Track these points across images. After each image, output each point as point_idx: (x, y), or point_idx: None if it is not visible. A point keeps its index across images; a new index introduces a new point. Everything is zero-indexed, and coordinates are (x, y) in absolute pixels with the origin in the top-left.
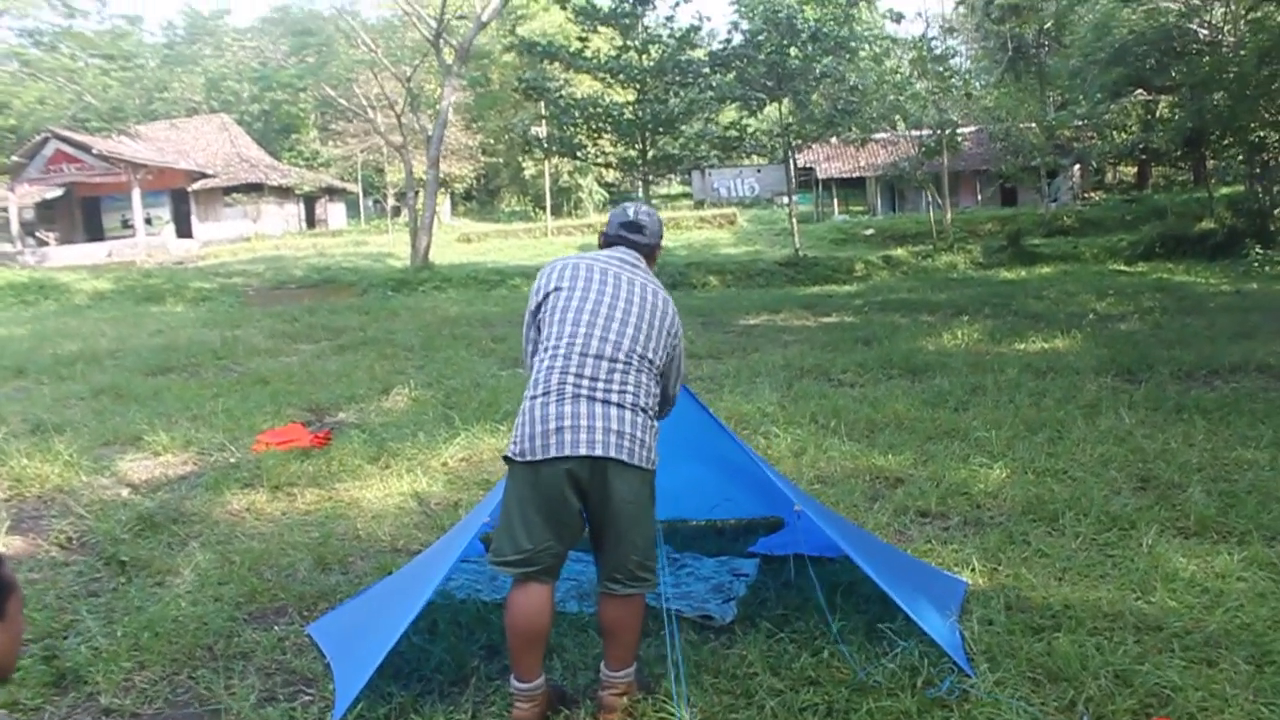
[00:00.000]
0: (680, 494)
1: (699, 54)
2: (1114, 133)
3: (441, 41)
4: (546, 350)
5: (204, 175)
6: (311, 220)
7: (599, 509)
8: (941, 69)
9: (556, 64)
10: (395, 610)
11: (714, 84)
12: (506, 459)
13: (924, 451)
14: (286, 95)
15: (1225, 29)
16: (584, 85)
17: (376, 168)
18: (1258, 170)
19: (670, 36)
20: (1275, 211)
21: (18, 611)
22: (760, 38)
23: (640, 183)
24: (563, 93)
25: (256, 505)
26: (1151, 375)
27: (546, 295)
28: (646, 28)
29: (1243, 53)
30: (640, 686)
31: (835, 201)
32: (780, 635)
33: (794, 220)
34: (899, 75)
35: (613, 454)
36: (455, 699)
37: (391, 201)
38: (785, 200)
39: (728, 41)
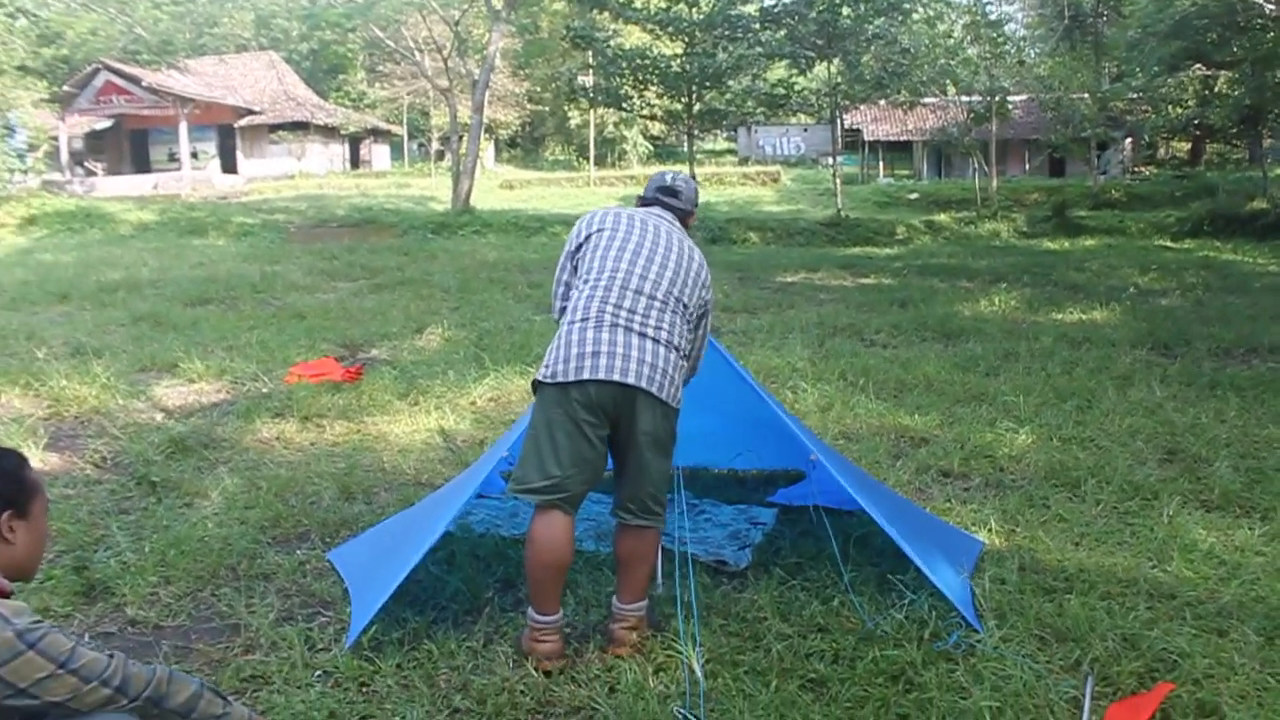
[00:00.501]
0: (703, 442)
1: (750, 9)
2: (1169, 107)
3: None
4: (587, 282)
5: (250, 112)
6: (356, 161)
7: (624, 438)
8: (995, 35)
9: (605, 13)
10: (413, 540)
11: (763, 40)
12: (535, 384)
13: (951, 414)
14: (335, 35)
15: None
16: (632, 36)
17: (422, 111)
18: None
19: None
20: None
21: (42, 513)
22: None
23: (685, 137)
24: (611, 43)
25: (286, 434)
26: (1188, 351)
27: (588, 237)
28: None
29: None
30: (651, 624)
31: (881, 164)
32: (793, 583)
33: (838, 181)
34: (951, 39)
35: (644, 385)
36: (468, 627)
37: (436, 145)
38: (830, 160)
39: None
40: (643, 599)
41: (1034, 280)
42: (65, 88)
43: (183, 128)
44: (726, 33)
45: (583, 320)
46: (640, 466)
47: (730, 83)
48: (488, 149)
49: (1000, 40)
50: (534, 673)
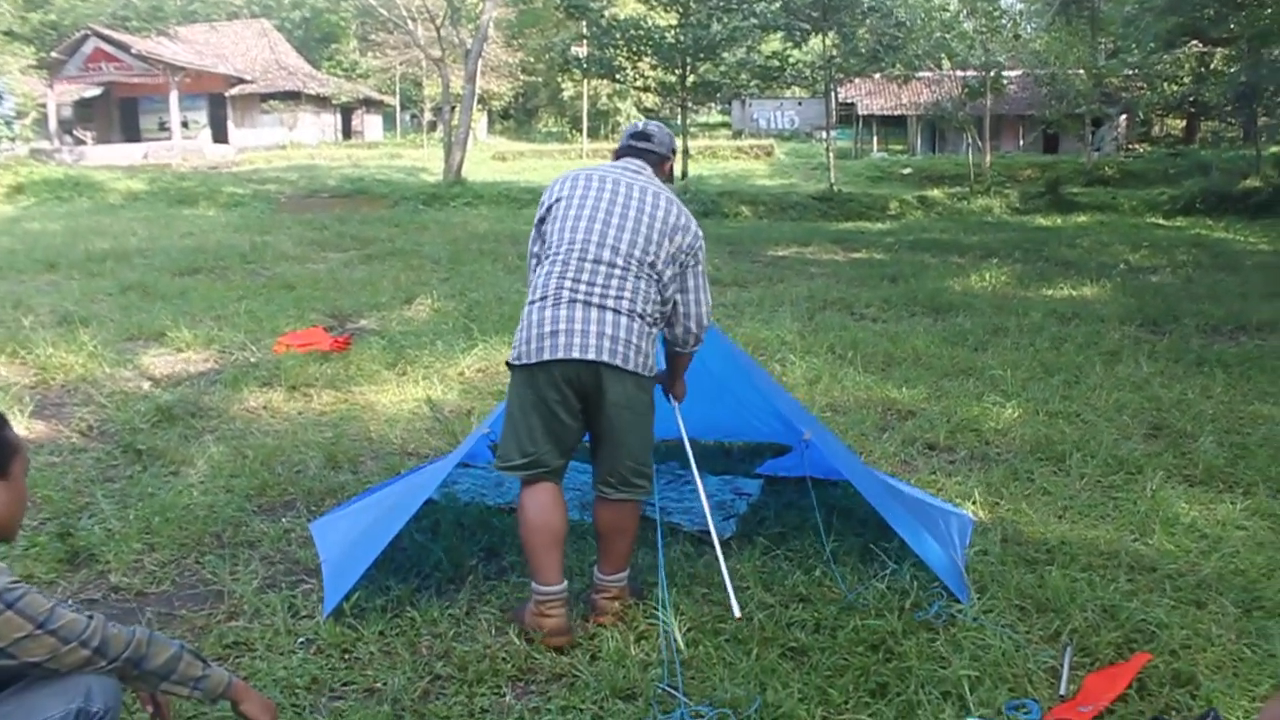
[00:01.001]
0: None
1: None
2: (1164, 84)
3: None
4: (548, 257)
5: (242, 81)
6: (347, 131)
7: (595, 413)
8: (991, 9)
9: None
10: (395, 513)
11: (758, 12)
12: (509, 364)
13: (938, 387)
14: (327, 3)
15: None
16: (626, 6)
17: (415, 81)
18: None
19: None
20: None
21: (21, 473)
22: None
23: (679, 109)
24: (605, 13)
25: (273, 404)
26: (1177, 327)
27: (550, 207)
28: None
29: None
30: (633, 593)
31: (875, 139)
32: (776, 553)
33: (831, 155)
34: (947, 13)
35: (605, 358)
36: (452, 595)
37: (428, 116)
38: (824, 134)
39: None
40: (623, 569)
41: (1025, 256)
42: (53, 54)
43: (173, 96)
44: (721, 4)
45: (541, 299)
46: (614, 439)
47: (724, 55)
48: (480, 120)
49: (996, 14)
50: (516, 640)
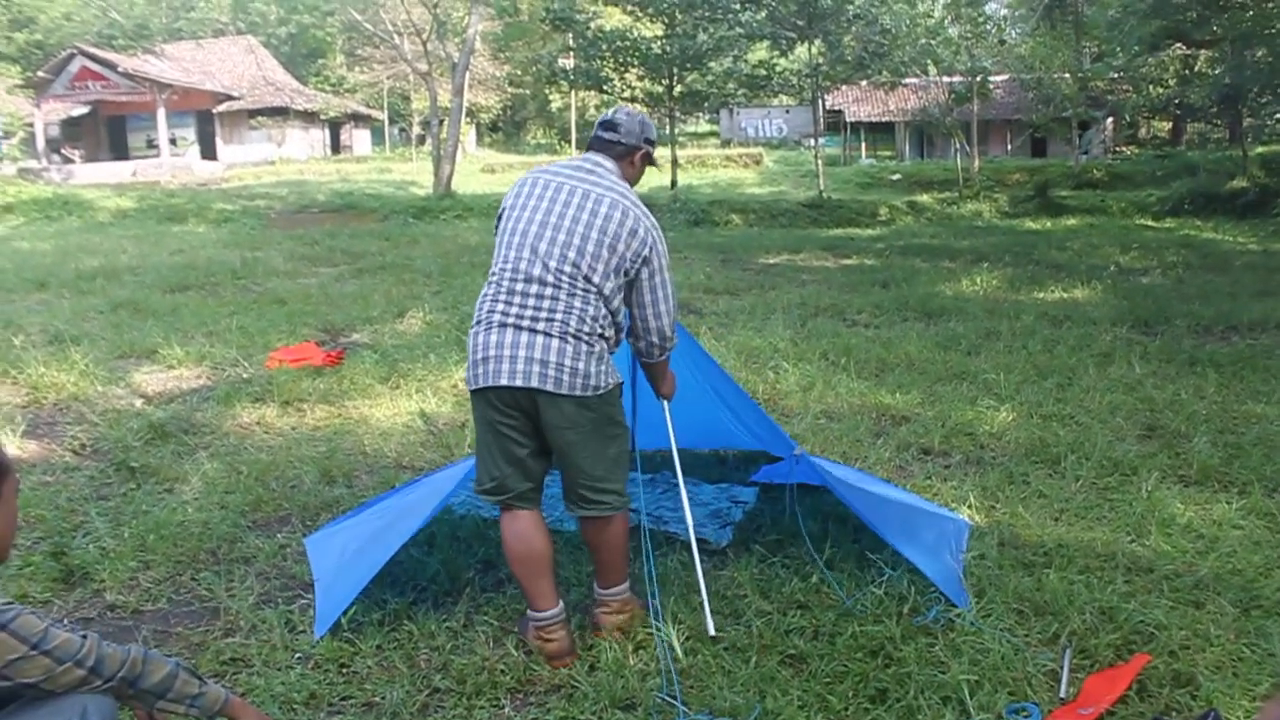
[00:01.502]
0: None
1: None
2: (1150, 86)
3: None
4: (488, 278)
5: (229, 97)
6: (336, 146)
7: (546, 435)
8: (976, 14)
9: None
10: (393, 530)
11: (744, 21)
12: None
13: (932, 392)
14: (313, 19)
15: None
16: (613, 18)
17: (402, 95)
18: None
19: None
20: None
21: (12, 494)
22: None
23: (667, 119)
24: (591, 24)
25: (266, 419)
26: (1168, 328)
27: (500, 215)
28: None
29: None
30: (641, 605)
31: (863, 145)
32: (773, 560)
33: (820, 162)
34: (932, 19)
35: (535, 384)
36: (449, 608)
37: (416, 130)
38: (812, 142)
39: None
40: (621, 582)
41: (1016, 260)
42: (40, 73)
43: (160, 114)
44: (707, 14)
45: (476, 323)
46: (563, 459)
47: (711, 64)
48: (469, 133)
49: (981, 20)
50: (514, 651)
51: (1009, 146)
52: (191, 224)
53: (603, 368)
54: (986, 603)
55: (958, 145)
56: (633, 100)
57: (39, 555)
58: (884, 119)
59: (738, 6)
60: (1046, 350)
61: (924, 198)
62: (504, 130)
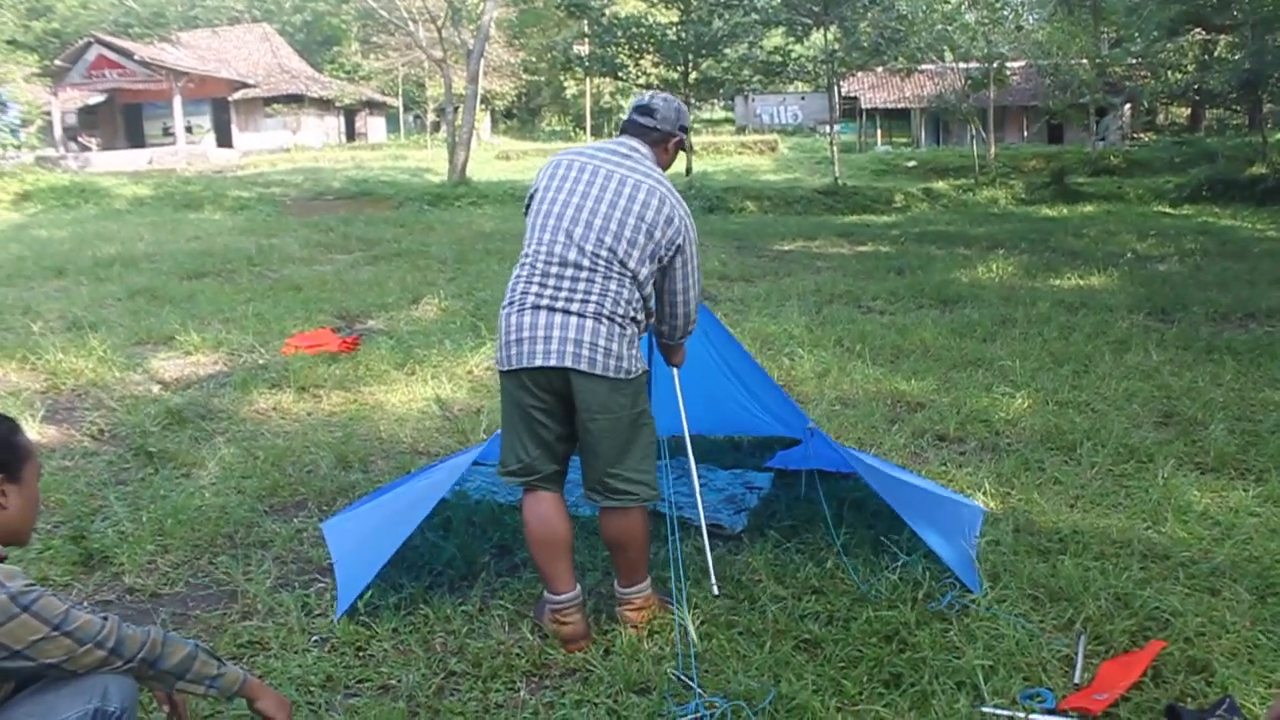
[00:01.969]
0: (699, 409)
1: None
2: (1168, 72)
3: None
4: (520, 259)
5: (245, 85)
6: (351, 133)
7: (576, 420)
8: (993, 0)
9: None
10: (408, 512)
11: (759, 7)
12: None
13: (947, 379)
14: (328, 6)
15: None
16: (628, 4)
17: (417, 82)
18: None
19: None
20: None
21: (34, 478)
22: None
23: (662, 93)
24: (606, 11)
25: (282, 405)
26: (1185, 315)
27: (532, 197)
28: None
29: None
30: (663, 602)
31: (878, 132)
32: (787, 546)
33: (835, 149)
34: (949, 5)
35: (569, 364)
36: (464, 592)
37: (431, 117)
38: (828, 129)
39: None
40: (642, 579)
41: (1032, 247)
42: (57, 62)
43: (176, 101)
44: (722, 0)
45: (509, 304)
46: (591, 446)
47: (727, 51)
48: (483, 120)
49: (998, 6)
50: (529, 635)
51: (1025, 133)
52: (208, 211)
53: (633, 352)
54: (1001, 588)
55: (974, 132)
56: (647, 87)
57: (59, 539)
58: (900, 105)
59: None
60: (1062, 337)
61: (940, 184)
62: (519, 117)
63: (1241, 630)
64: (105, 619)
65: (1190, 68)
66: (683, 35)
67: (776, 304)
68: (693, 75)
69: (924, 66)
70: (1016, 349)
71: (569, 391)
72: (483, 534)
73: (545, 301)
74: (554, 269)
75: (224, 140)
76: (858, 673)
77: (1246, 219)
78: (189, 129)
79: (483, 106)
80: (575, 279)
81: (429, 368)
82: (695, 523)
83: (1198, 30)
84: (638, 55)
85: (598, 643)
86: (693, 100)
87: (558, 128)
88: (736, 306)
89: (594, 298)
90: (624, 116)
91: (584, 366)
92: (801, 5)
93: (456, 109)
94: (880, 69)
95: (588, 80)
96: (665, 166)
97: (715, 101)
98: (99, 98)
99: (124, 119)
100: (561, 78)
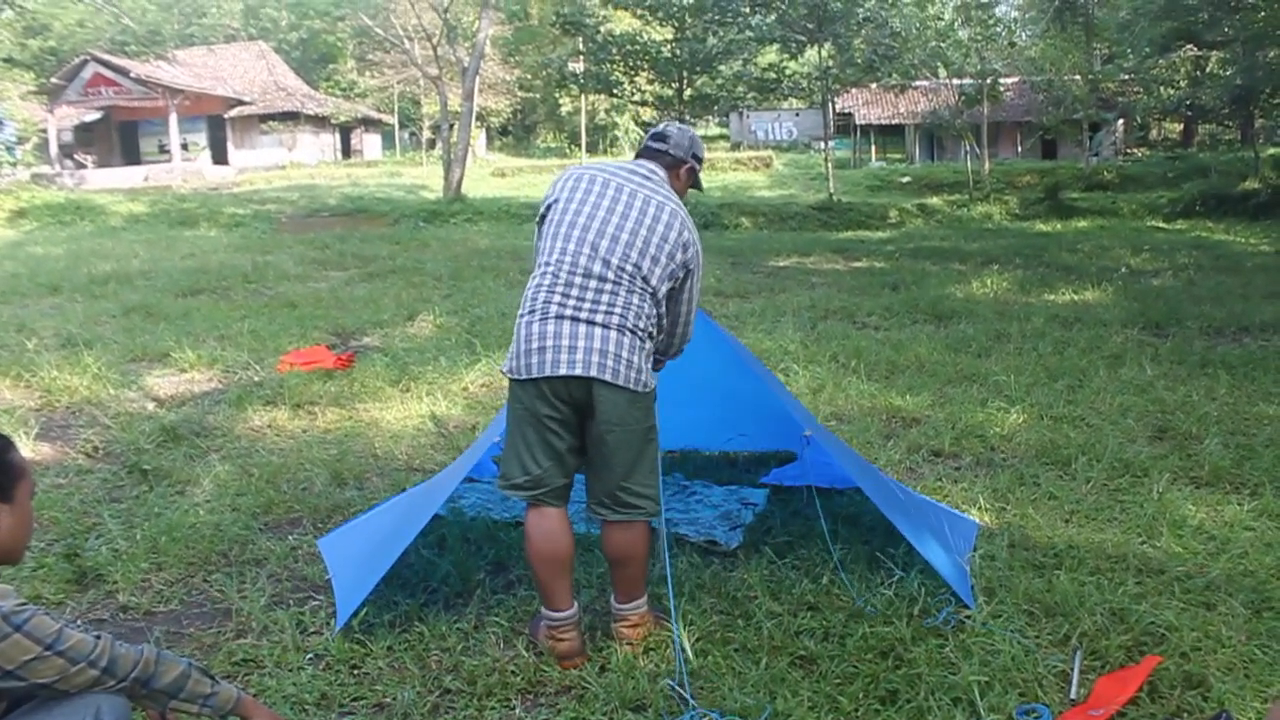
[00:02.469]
0: (694, 425)
1: None
2: (1160, 88)
3: None
4: (538, 267)
5: (240, 102)
6: (347, 150)
7: (589, 430)
8: (986, 16)
9: None
10: (402, 527)
11: (753, 24)
12: (504, 373)
13: (942, 394)
14: (324, 24)
15: None
16: (622, 21)
17: (413, 99)
18: None
19: None
20: None
21: (26, 497)
22: None
23: (677, 122)
24: (601, 28)
25: (277, 422)
26: (1179, 330)
27: (549, 207)
28: None
29: None
30: (658, 618)
31: (873, 148)
32: (783, 562)
33: (830, 165)
34: (942, 21)
35: (594, 373)
36: (460, 610)
37: (427, 134)
38: (822, 145)
39: None
40: (639, 596)
41: (1026, 262)
42: (53, 80)
43: (172, 119)
44: (717, 17)
45: (529, 313)
46: (604, 458)
47: (721, 67)
48: (479, 137)
49: (991, 22)
50: (525, 653)
51: (1019, 149)
52: (203, 228)
53: (649, 366)
54: (997, 604)
55: (968, 147)
56: (642, 104)
57: (52, 557)
58: (894, 121)
59: (747, 10)
60: (1057, 352)
61: (934, 200)
62: (514, 134)
63: (1237, 645)
64: (98, 638)
65: (1183, 83)
66: (677, 52)
67: (771, 320)
68: (687, 92)
69: (918, 83)
70: (1011, 364)
71: (588, 402)
72: (478, 551)
73: (569, 311)
74: (578, 279)
75: (219, 157)
76: (853, 689)
77: (1239, 234)
78: (185, 146)
79: (478, 123)
80: (600, 290)
81: (424, 384)
82: (690, 539)
83: (1189, 46)
84: (633, 72)
85: (593, 660)
86: (688, 116)
87: (553, 145)
88: (732, 323)
89: (618, 310)
90: (618, 134)
91: (608, 377)
92: (796, 22)
93: (452, 126)
94: (874, 85)
95: (583, 97)
96: (680, 194)
97: (710, 118)
98: (95, 115)
99: (120, 136)
100: (556, 95)
